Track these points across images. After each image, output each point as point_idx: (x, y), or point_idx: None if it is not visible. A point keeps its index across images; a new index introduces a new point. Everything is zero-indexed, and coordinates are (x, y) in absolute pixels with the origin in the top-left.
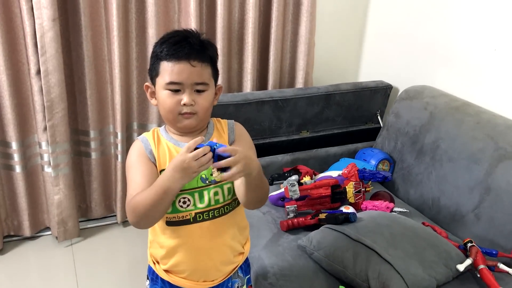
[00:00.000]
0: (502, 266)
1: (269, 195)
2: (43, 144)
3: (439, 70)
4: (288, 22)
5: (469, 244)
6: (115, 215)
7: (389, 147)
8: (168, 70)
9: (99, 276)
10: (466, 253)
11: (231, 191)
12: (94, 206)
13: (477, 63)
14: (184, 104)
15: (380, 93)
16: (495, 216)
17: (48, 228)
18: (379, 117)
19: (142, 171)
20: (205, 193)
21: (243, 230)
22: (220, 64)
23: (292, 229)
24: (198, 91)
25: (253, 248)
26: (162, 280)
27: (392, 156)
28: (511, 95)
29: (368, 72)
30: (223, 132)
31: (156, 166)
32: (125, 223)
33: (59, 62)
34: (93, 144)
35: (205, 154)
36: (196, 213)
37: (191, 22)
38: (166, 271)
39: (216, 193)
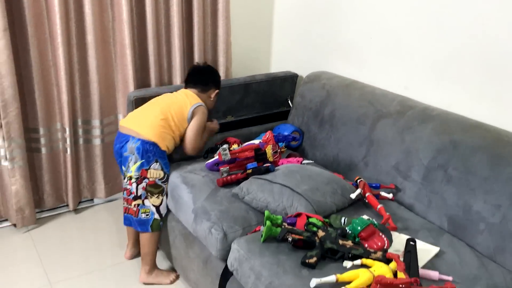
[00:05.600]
0: (383, 193)
1: (206, 162)
2: None
3: (332, 57)
4: (208, 25)
5: (359, 180)
6: (67, 205)
7: (298, 121)
8: None
9: (60, 255)
10: (357, 188)
11: None
12: (46, 197)
13: (359, 49)
14: None
15: (288, 81)
16: (378, 161)
17: (5, 221)
18: (290, 102)
19: None
20: None
21: None
22: (152, 63)
23: (226, 185)
24: None
25: (197, 201)
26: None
27: (301, 128)
28: (384, 72)
29: (278, 64)
30: None
31: None
32: (76, 210)
33: (11, 66)
34: (42, 141)
35: None
36: None
37: (125, 29)
38: None
39: None
